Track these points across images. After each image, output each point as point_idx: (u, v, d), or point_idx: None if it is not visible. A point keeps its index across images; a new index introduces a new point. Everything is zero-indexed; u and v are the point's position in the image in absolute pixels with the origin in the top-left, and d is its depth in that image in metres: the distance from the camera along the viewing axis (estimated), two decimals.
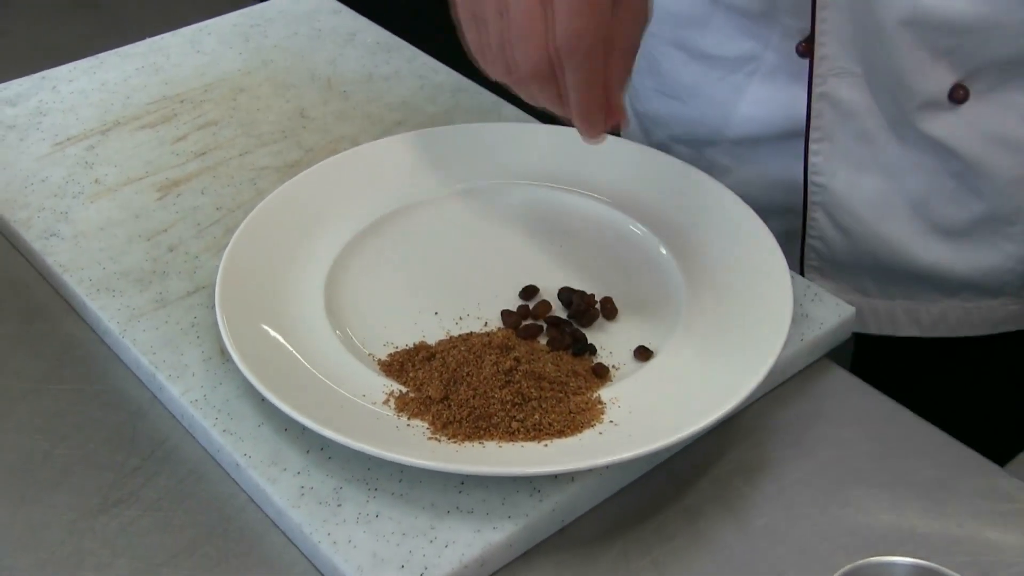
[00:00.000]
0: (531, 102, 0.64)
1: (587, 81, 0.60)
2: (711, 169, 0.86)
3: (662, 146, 0.91)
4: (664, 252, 0.75)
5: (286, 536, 0.61)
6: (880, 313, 0.85)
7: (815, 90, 0.77)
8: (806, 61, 0.77)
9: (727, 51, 0.82)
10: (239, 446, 0.64)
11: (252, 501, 0.63)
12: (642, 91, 0.92)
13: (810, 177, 0.80)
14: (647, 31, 0.89)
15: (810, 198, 0.82)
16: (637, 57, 0.92)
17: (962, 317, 0.84)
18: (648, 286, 0.73)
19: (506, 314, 0.71)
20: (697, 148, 0.88)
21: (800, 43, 0.77)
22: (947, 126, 0.75)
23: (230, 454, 0.64)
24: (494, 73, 0.63)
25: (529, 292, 0.73)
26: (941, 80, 0.73)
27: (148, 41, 1.00)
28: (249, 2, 1.08)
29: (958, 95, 0.73)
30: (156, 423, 0.68)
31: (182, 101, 0.92)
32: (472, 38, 0.64)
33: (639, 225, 0.77)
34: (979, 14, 0.70)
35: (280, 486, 0.62)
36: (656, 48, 0.88)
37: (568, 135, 0.83)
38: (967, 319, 0.84)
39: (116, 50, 0.98)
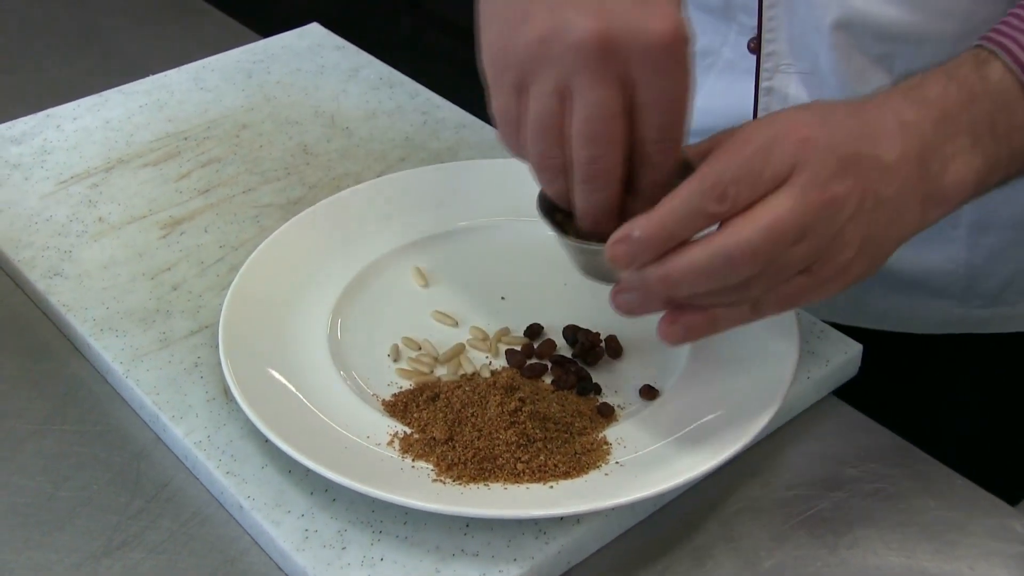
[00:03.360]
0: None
1: (594, 201, 0.58)
2: None
3: None
4: None
5: None
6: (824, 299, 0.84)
7: (762, 85, 0.79)
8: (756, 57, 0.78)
9: None
10: (243, 488, 0.63)
11: (256, 544, 0.63)
12: None
13: None
14: None
15: None
16: None
17: (906, 315, 0.84)
18: (653, 325, 0.72)
19: (510, 353, 0.71)
20: None
21: (751, 40, 0.78)
22: None
23: (234, 496, 0.63)
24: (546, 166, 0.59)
25: (533, 331, 0.72)
26: (878, 83, 0.74)
27: (151, 78, 1.00)
28: (252, 38, 1.09)
29: None
30: (160, 464, 0.67)
31: (185, 138, 0.92)
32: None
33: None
34: (910, 23, 0.71)
35: (284, 529, 0.61)
36: None
37: None
38: (912, 317, 0.83)
39: (120, 87, 0.98)
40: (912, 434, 0.69)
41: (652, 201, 0.55)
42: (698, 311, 0.57)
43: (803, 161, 0.53)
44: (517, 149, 0.59)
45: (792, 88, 0.78)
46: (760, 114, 0.80)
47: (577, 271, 0.63)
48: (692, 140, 0.86)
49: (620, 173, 0.56)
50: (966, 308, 0.82)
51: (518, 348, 0.71)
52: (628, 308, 0.58)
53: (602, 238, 0.56)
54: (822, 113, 0.57)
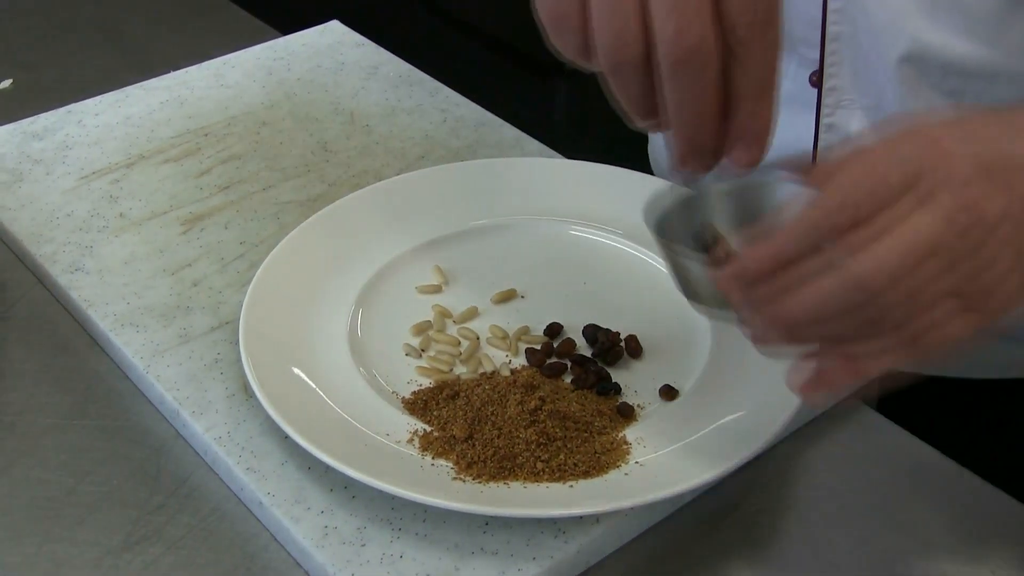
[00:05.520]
0: (618, 94, 0.52)
1: (692, 95, 0.50)
2: None
3: None
4: None
5: None
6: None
7: (823, 121, 0.77)
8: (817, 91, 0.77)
9: None
10: (262, 484, 0.63)
11: (275, 540, 0.63)
12: None
13: None
14: None
15: None
16: None
17: (969, 358, 0.82)
18: (673, 324, 0.73)
19: (530, 352, 0.71)
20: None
21: (812, 73, 0.77)
22: None
23: (253, 492, 0.63)
24: (568, 50, 0.52)
25: (553, 330, 0.72)
26: None
27: (172, 74, 1.00)
28: (272, 35, 1.09)
29: None
30: (180, 460, 0.68)
31: (206, 135, 0.93)
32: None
33: (664, 262, 0.77)
34: (982, 59, 0.69)
35: (303, 525, 0.61)
36: None
37: (593, 170, 0.83)
38: (974, 360, 0.82)
39: (141, 83, 0.99)
40: (931, 436, 0.69)
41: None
42: (842, 363, 0.51)
43: (934, 166, 0.47)
44: (579, 44, 0.50)
45: (855, 124, 0.76)
46: (822, 151, 0.77)
47: (689, 302, 0.57)
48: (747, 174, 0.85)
49: (714, 59, 0.48)
50: None
51: (538, 347, 0.71)
52: (761, 343, 0.52)
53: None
54: (950, 120, 0.50)
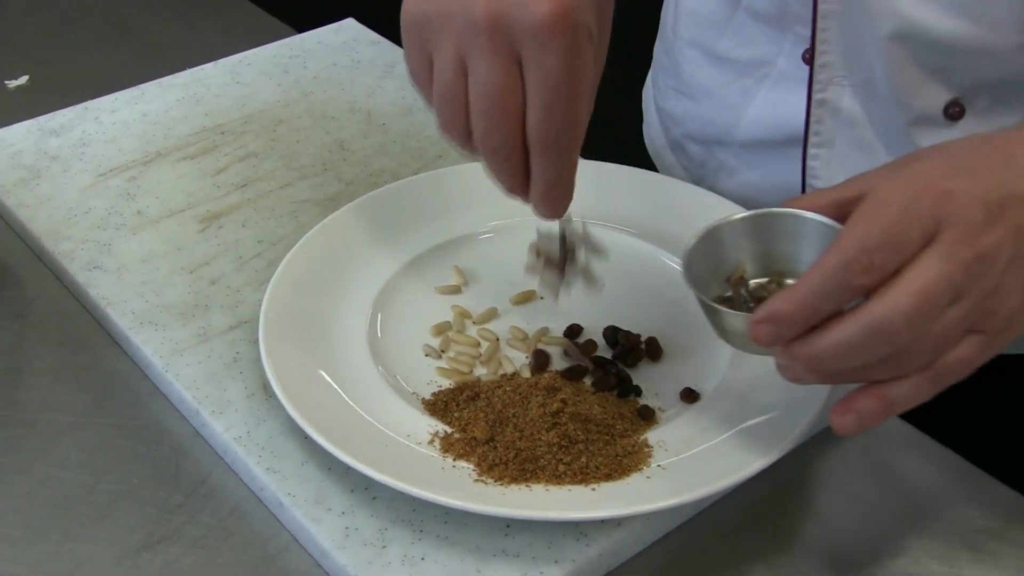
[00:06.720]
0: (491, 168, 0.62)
1: (498, 175, 0.60)
2: (719, 169, 0.88)
3: (677, 143, 0.93)
4: None
5: None
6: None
7: (815, 96, 0.78)
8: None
9: (741, 55, 0.83)
10: (283, 485, 0.63)
11: (296, 541, 0.63)
12: (664, 88, 0.93)
13: (808, 180, 0.82)
14: (672, 31, 0.89)
15: None
16: (662, 55, 0.92)
17: None
18: (694, 327, 0.72)
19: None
20: (708, 147, 0.89)
21: (805, 51, 0.78)
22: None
23: (273, 492, 0.63)
24: (449, 132, 0.61)
25: (573, 331, 0.72)
26: (935, 97, 0.74)
27: (189, 72, 1.00)
28: (287, 33, 1.09)
29: (953, 112, 0.74)
30: (199, 459, 0.67)
31: (223, 132, 0.92)
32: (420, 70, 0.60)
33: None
34: (969, 35, 0.70)
35: (324, 526, 0.61)
36: (676, 47, 0.90)
37: (614, 173, 0.83)
38: None
39: (157, 81, 0.99)
40: (950, 439, 0.69)
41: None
42: (870, 395, 0.55)
43: (947, 217, 0.51)
44: (430, 104, 0.61)
45: (845, 100, 0.77)
46: (814, 125, 0.79)
47: (723, 341, 0.60)
48: (741, 151, 0.86)
49: (517, 149, 0.58)
50: None
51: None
52: (795, 379, 0.57)
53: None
54: (957, 159, 0.55)
